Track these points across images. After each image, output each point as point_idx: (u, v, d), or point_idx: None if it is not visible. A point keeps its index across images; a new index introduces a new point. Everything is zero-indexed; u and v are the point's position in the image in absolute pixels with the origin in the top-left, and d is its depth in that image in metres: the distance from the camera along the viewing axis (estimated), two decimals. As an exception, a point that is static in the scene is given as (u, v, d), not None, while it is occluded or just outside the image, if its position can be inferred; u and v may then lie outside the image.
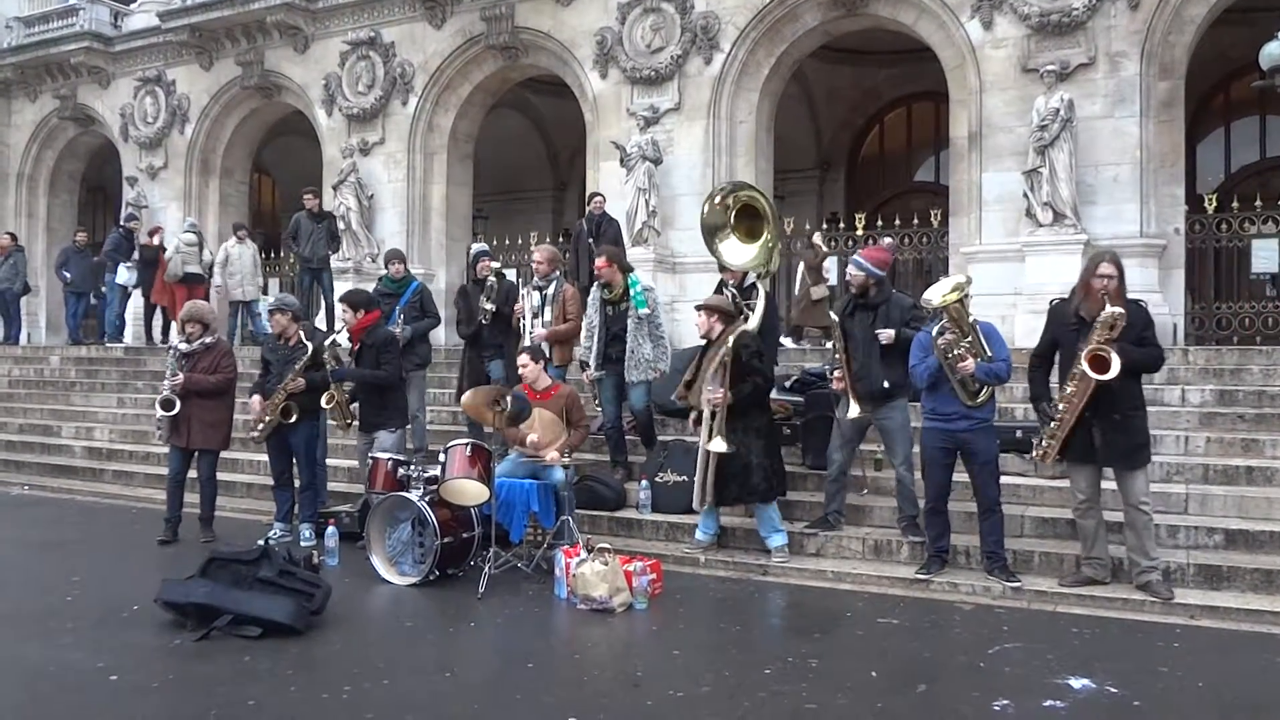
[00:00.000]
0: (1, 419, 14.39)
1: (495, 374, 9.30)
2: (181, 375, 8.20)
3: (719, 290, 8.92)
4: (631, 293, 8.54)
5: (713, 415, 7.26)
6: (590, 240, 12.02)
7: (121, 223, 15.91)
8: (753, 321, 8.05)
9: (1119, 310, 6.13)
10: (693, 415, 7.75)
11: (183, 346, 8.37)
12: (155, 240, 15.80)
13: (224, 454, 10.88)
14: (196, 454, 8.46)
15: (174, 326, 14.10)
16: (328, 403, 8.22)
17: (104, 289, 16.66)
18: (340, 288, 13.93)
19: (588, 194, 14.09)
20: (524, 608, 6.50)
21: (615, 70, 14.08)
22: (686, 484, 8.20)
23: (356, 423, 8.36)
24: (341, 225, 15.14)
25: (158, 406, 8.26)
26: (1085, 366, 6.11)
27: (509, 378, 9.07)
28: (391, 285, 10.00)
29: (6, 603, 6.55)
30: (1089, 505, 6.52)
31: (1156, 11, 11.18)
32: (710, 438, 7.23)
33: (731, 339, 7.31)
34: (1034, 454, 6.71)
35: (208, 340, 8.41)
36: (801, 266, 11.41)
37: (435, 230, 16.01)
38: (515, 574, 7.07)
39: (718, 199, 8.69)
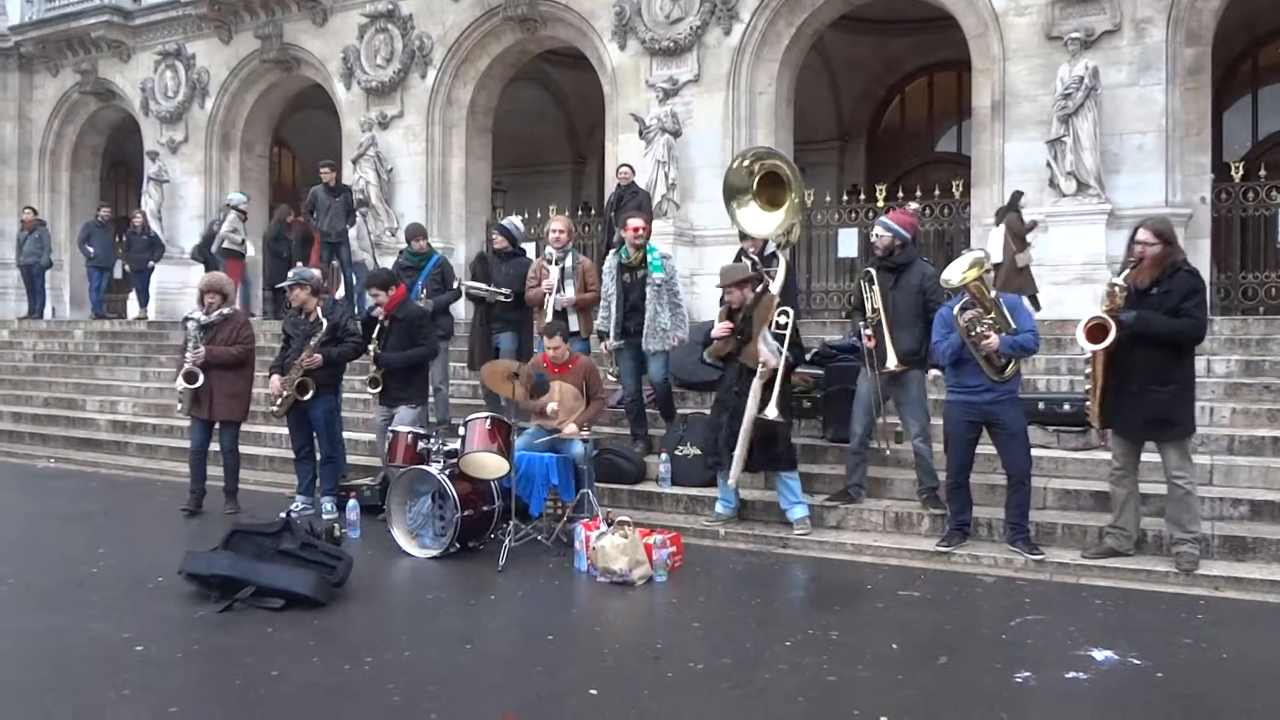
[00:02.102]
0: (27, 392, 14.53)
1: (505, 346, 9.29)
2: (202, 348, 8.23)
3: (738, 259, 8.87)
4: (649, 259, 8.50)
5: (765, 383, 7.14)
6: (612, 214, 11.97)
7: (234, 205, 15.75)
8: (773, 288, 7.96)
9: (1117, 281, 6.18)
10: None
11: (201, 318, 8.38)
12: (289, 219, 15.58)
13: (247, 427, 10.96)
14: (218, 426, 8.51)
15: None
16: (374, 386, 8.24)
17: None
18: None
19: (609, 166, 14.06)
20: (544, 580, 6.51)
21: (634, 41, 13.98)
22: (706, 457, 8.20)
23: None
24: (360, 198, 15.12)
25: (180, 379, 8.27)
26: (1080, 334, 6.13)
27: (520, 351, 9.08)
28: (413, 259, 10.01)
29: (34, 574, 6.62)
30: (1123, 473, 6.46)
31: (1183, -23, 11.01)
32: (761, 406, 7.11)
33: (790, 312, 7.26)
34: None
35: (225, 311, 8.44)
36: (1004, 231, 11.00)
37: (454, 204, 16.00)
38: (535, 547, 7.09)
39: (745, 162, 8.61)
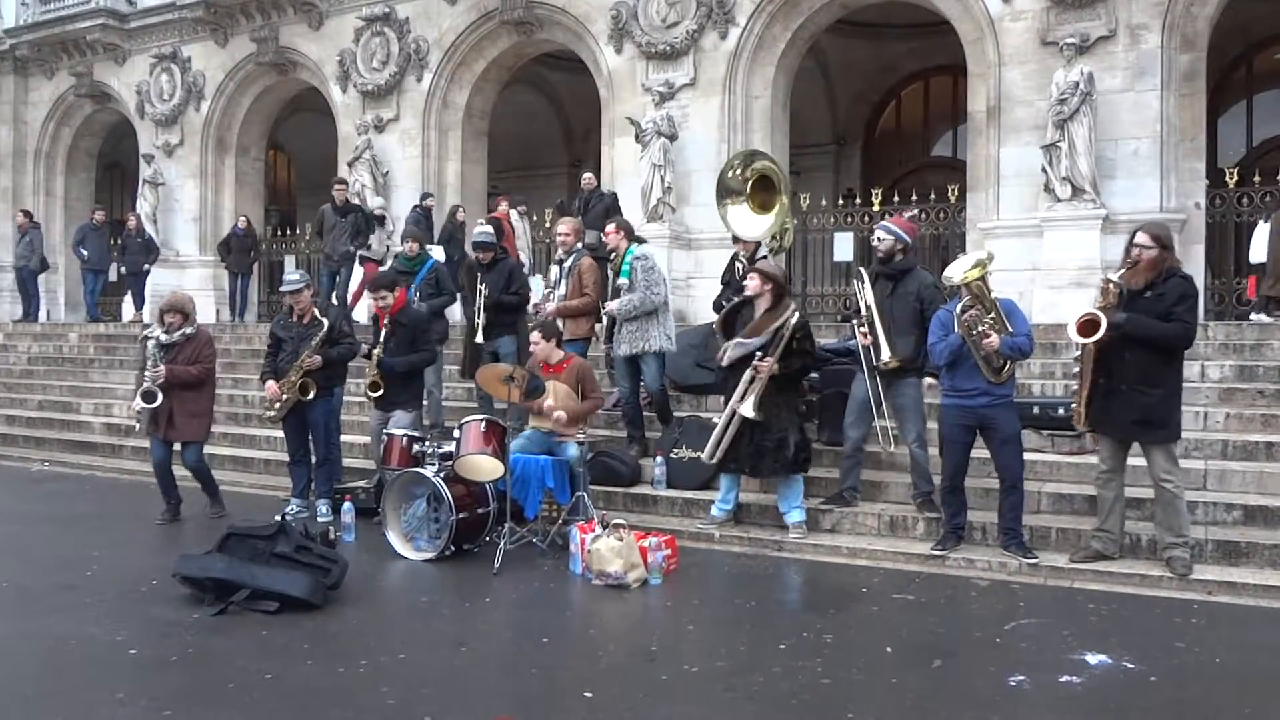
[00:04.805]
0: (21, 395, 14.51)
1: (505, 350, 9.26)
2: (163, 366, 8.07)
3: (730, 266, 8.88)
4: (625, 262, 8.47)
5: (751, 379, 7.20)
6: (580, 217, 12.01)
7: (419, 203, 14.95)
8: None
9: (1110, 277, 6.21)
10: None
11: (163, 338, 8.21)
12: (460, 217, 14.73)
13: (241, 430, 10.99)
14: (180, 445, 8.39)
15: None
16: (374, 391, 8.22)
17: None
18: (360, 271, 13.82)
19: (605, 169, 14.09)
20: (539, 583, 6.51)
21: (630, 45, 14.00)
22: (702, 460, 8.20)
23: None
24: (356, 201, 14.98)
25: (138, 399, 8.12)
26: (1071, 328, 6.15)
27: (520, 355, 9.05)
28: (407, 263, 9.96)
29: (28, 576, 6.61)
30: (1110, 476, 6.48)
31: (1178, -17, 11.04)
32: (742, 399, 7.18)
33: (795, 318, 7.29)
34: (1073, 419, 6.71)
35: (188, 331, 8.26)
36: (1270, 227, 10.71)
37: (450, 207, 15.94)
38: (530, 550, 7.09)
39: (737, 171, 8.63)
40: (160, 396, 8.07)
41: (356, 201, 14.76)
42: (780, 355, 7.19)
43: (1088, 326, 6.09)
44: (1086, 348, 6.22)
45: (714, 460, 7.46)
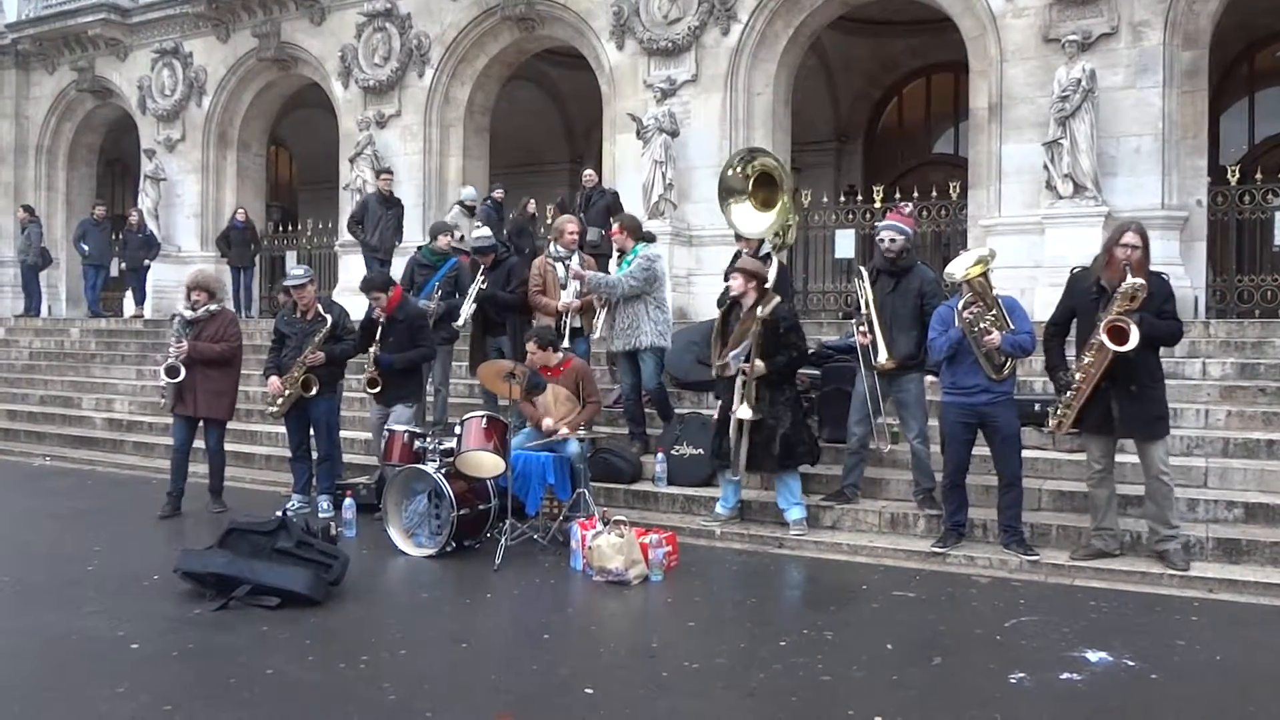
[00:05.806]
0: (23, 390, 14.52)
1: (508, 349, 9.24)
2: (186, 342, 8.18)
3: (733, 264, 8.86)
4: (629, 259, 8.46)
5: (743, 384, 7.18)
6: (581, 215, 12.00)
7: (461, 200, 14.38)
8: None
9: (1140, 281, 6.03)
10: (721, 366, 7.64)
11: (187, 314, 8.34)
12: (531, 209, 14.81)
13: (242, 426, 10.99)
14: (204, 424, 8.47)
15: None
16: (372, 387, 8.22)
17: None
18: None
19: (607, 166, 14.08)
20: (540, 580, 6.52)
21: (632, 41, 13.98)
22: (703, 457, 8.19)
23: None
24: (357, 197, 14.97)
25: (162, 373, 8.25)
26: (1104, 338, 6.05)
27: (515, 354, 9.03)
28: (432, 258, 9.84)
29: (29, 571, 6.62)
30: (1103, 476, 6.49)
31: (1180, -20, 11.02)
32: (739, 405, 7.17)
33: (767, 309, 7.19)
34: (1049, 424, 6.66)
35: (213, 308, 8.38)
36: None
37: (451, 203, 15.95)
38: (531, 546, 7.10)
39: (737, 169, 8.61)
40: (183, 372, 8.16)
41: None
42: (763, 350, 7.14)
43: (1116, 333, 6.04)
44: (1100, 354, 6.13)
45: (738, 475, 7.47)
